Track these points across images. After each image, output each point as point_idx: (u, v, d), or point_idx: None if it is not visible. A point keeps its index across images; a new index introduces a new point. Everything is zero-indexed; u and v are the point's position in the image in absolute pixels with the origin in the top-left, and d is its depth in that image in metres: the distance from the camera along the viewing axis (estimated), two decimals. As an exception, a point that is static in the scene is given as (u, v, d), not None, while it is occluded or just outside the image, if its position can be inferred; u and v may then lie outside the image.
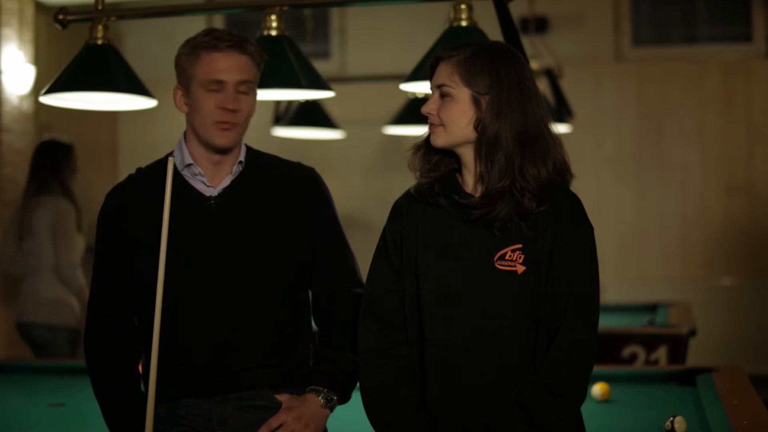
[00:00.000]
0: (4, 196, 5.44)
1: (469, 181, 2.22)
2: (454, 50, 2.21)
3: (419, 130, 2.31)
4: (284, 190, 2.44)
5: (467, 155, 2.20)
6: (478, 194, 2.19)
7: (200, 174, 2.40)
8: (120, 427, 2.41)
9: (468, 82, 2.17)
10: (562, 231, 2.16)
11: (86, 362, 2.47)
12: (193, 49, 2.36)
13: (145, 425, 2.32)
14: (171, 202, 2.36)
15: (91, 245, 7.11)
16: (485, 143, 2.15)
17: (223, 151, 2.39)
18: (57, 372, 3.91)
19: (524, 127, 2.16)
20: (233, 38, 2.35)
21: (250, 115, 2.39)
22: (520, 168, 2.15)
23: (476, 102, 2.17)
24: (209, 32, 2.37)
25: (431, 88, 2.22)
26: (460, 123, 2.17)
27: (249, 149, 2.48)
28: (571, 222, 2.18)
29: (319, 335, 2.49)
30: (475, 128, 2.17)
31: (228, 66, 2.33)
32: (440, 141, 2.20)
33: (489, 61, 2.18)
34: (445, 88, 2.18)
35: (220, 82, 2.33)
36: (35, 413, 3.25)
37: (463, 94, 2.17)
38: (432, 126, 2.20)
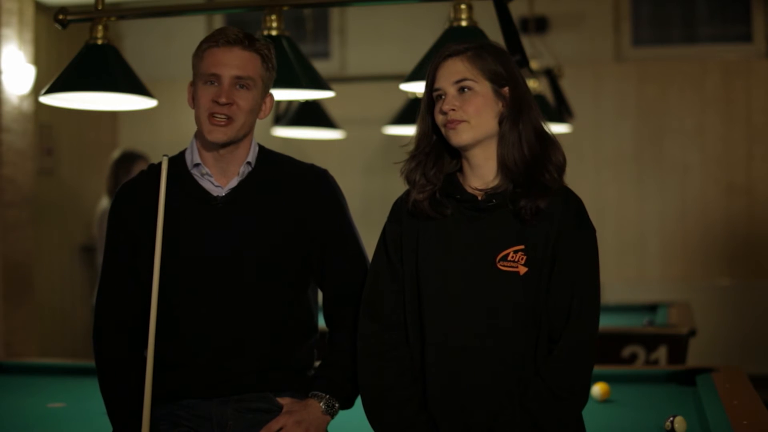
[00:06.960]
0: (4, 196, 5.42)
1: (472, 181, 2.22)
2: (461, 46, 2.21)
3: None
4: (294, 192, 2.42)
5: (479, 153, 2.19)
6: (479, 195, 2.19)
7: (208, 174, 2.40)
8: (124, 425, 2.40)
9: (487, 74, 2.17)
10: (565, 232, 2.16)
11: (94, 358, 2.46)
12: (200, 45, 2.39)
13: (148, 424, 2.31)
14: (178, 201, 2.37)
15: (87, 244, 7.18)
16: (510, 134, 2.16)
17: (220, 146, 2.37)
18: (57, 372, 3.90)
19: (537, 122, 2.18)
20: (237, 34, 2.35)
21: (249, 111, 2.36)
22: (538, 161, 2.16)
23: (497, 94, 2.17)
24: (219, 29, 2.40)
25: (444, 87, 2.18)
26: (486, 116, 2.17)
27: (261, 149, 2.47)
28: (574, 224, 2.18)
29: (327, 338, 2.48)
30: (499, 121, 2.17)
31: (225, 60, 2.33)
32: (466, 137, 2.17)
33: (499, 55, 2.20)
34: (466, 82, 2.17)
35: (215, 76, 2.33)
36: (35, 413, 3.24)
37: (484, 87, 2.17)
38: (454, 123, 2.16)
